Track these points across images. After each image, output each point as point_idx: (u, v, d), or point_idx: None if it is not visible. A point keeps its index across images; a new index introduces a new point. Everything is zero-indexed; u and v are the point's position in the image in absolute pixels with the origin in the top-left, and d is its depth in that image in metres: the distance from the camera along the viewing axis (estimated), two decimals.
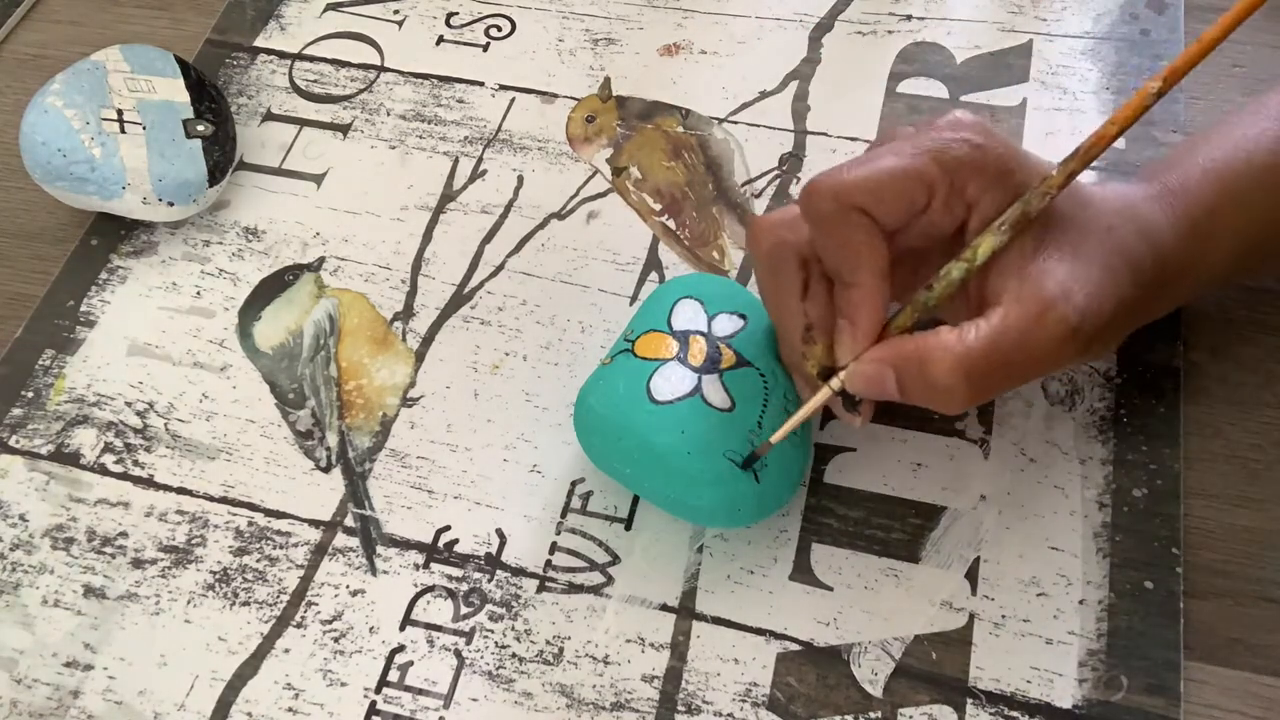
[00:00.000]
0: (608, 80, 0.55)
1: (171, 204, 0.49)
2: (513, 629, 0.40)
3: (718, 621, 0.40)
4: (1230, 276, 0.41)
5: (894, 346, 0.35)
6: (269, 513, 0.44)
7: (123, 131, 0.49)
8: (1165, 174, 0.39)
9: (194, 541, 0.43)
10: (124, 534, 0.43)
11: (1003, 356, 0.34)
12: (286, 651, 0.40)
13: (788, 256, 0.38)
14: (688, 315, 0.40)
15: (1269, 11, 0.54)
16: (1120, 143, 0.49)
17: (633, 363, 0.39)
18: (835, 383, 0.36)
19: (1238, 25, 0.34)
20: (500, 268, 0.49)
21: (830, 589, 0.40)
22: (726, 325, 0.40)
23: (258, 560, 0.42)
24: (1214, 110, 0.50)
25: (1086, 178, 0.37)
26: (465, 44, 0.57)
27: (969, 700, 0.37)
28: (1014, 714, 0.37)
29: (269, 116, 0.55)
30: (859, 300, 0.36)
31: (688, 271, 0.48)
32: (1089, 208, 0.37)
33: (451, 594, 0.41)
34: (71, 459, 0.45)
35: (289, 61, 0.57)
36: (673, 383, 0.38)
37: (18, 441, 0.46)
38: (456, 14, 0.58)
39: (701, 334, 0.40)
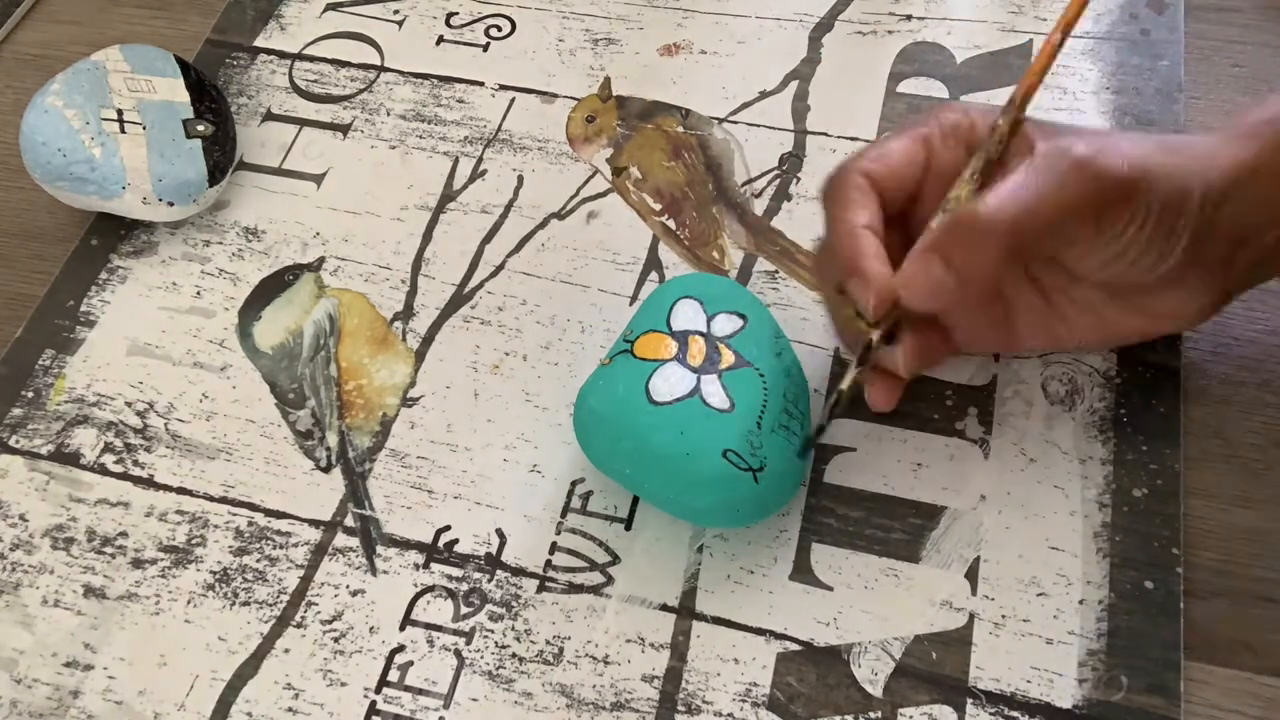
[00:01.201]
0: (608, 80, 0.55)
1: (171, 204, 0.49)
2: (513, 629, 0.40)
3: (718, 621, 0.40)
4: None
5: (923, 240, 0.37)
6: (269, 513, 0.44)
7: (123, 131, 0.49)
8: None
9: (194, 541, 0.43)
10: (124, 534, 0.43)
11: (1030, 193, 0.35)
12: (286, 651, 0.40)
13: (852, 175, 0.39)
14: (687, 315, 0.40)
15: (1269, 12, 0.54)
16: None
17: (632, 363, 0.39)
18: (876, 334, 0.38)
19: None
20: (500, 268, 0.49)
21: (830, 589, 0.40)
22: (726, 325, 0.40)
23: (258, 560, 0.42)
24: (1214, 110, 0.50)
25: (1041, 114, 0.39)
26: (465, 44, 0.57)
27: (969, 700, 0.37)
28: (1014, 714, 0.37)
29: (269, 116, 0.55)
30: (859, 251, 0.37)
31: (688, 271, 0.48)
32: (1098, 129, 0.39)
33: (451, 594, 0.41)
34: (71, 459, 0.45)
35: (289, 61, 0.57)
36: (672, 383, 0.38)
37: (18, 441, 0.46)
38: (456, 14, 0.58)
39: (701, 334, 0.40)
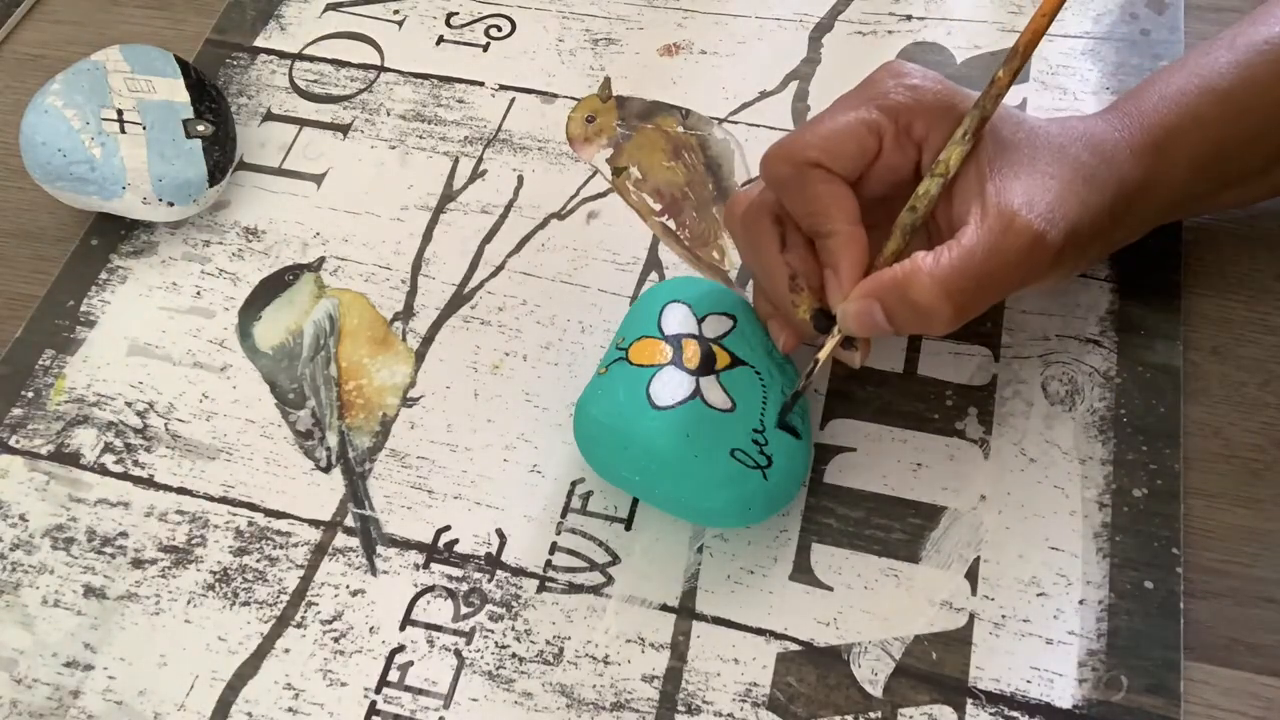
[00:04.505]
0: (608, 80, 0.55)
1: (171, 204, 0.49)
2: (513, 629, 0.40)
3: (718, 621, 0.40)
4: (1190, 199, 0.42)
5: (875, 280, 0.37)
6: (269, 513, 0.44)
7: (123, 131, 0.49)
8: (1121, 104, 0.42)
9: (194, 541, 0.43)
10: (124, 534, 0.43)
11: (977, 270, 0.35)
12: (286, 651, 0.40)
13: (762, 215, 0.40)
14: (678, 319, 0.40)
15: None
16: None
17: (629, 370, 0.39)
18: (838, 330, 0.38)
19: None
20: (500, 268, 0.49)
21: (830, 589, 0.40)
22: (717, 326, 0.40)
23: (258, 560, 0.42)
24: None
25: (1042, 114, 0.38)
26: (465, 44, 0.57)
27: (969, 700, 0.37)
28: (1014, 714, 0.37)
29: (269, 116, 0.55)
30: (838, 247, 0.38)
31: (688, 272, 0.48)
32: (1038, 133, 0.39)
33: (451, 594, 0.41)
34: (71, 459, 0.45)
35: (289, 61, 0.57)
36: (671, 387, 0.38)
37: (18, 441, 0.46)
38: (456, 14, 0.58)
39: (693, 337, 0.40)
